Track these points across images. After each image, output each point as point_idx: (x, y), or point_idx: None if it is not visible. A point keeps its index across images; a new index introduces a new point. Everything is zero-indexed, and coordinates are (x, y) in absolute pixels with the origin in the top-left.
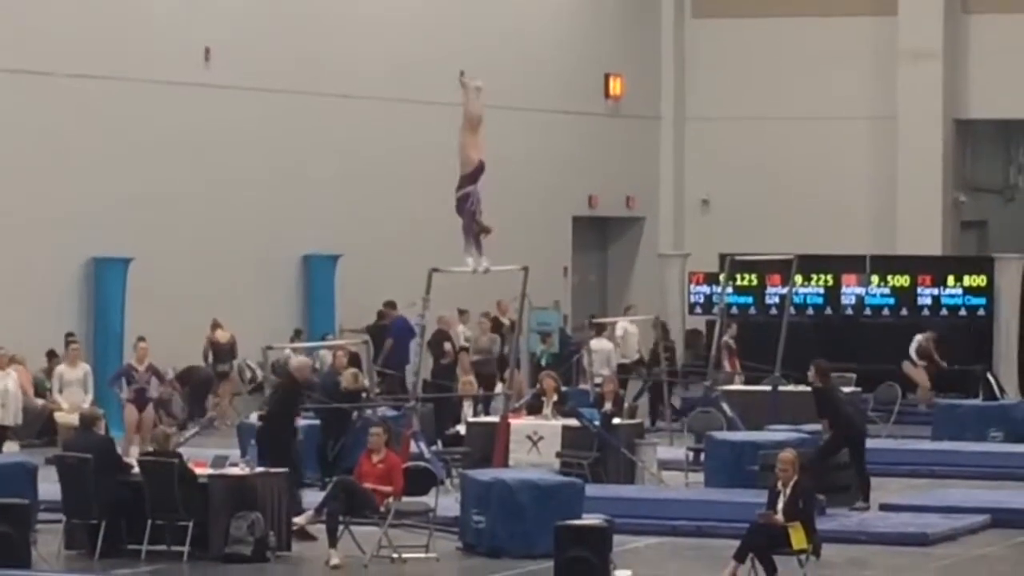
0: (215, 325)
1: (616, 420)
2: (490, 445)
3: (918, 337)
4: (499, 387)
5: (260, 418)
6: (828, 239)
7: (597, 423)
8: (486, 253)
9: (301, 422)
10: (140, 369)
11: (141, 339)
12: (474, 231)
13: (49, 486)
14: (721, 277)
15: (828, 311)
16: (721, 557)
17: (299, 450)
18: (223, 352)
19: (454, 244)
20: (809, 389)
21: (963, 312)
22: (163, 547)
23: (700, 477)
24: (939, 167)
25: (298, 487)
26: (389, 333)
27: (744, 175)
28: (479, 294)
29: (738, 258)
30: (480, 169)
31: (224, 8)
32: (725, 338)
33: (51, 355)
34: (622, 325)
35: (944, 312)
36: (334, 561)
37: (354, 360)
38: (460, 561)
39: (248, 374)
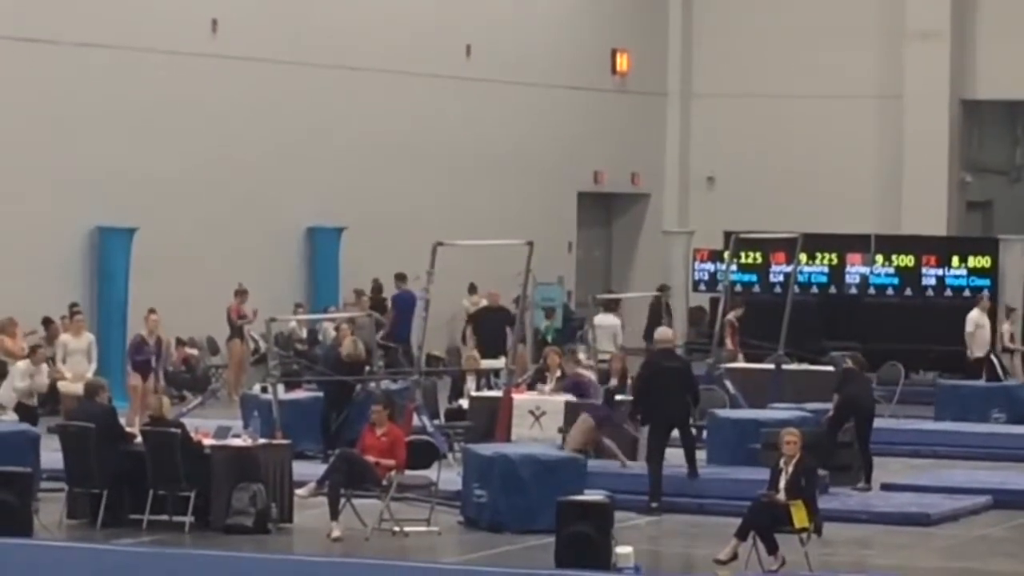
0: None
1: (619, 396)
2: (492, 420)
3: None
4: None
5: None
6: (833, 218)
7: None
8: (492, 227)
9: (304, 394)
10: (150, 341)
11: (152, 311)
12: None
13: (52, 455)
14: (725, 255)
15: (832, 290)
16: (723, 534)
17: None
18: (233, 323)
19: (458, 218)
20: (813, 368)
21: (967, 293)
22: (165, 517)
23: (702, 454)
24: (945, 147)
25: None
26: (393, 306)
27: (750, 153)
28: (484, 268)
29: (743, 236)
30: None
31: None
32: (728, 316)
33: (47, 322)
34: (973, 319)
35: (948, 293)
36: (335, 533)
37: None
38: (461, 535)
39: (251, 345)
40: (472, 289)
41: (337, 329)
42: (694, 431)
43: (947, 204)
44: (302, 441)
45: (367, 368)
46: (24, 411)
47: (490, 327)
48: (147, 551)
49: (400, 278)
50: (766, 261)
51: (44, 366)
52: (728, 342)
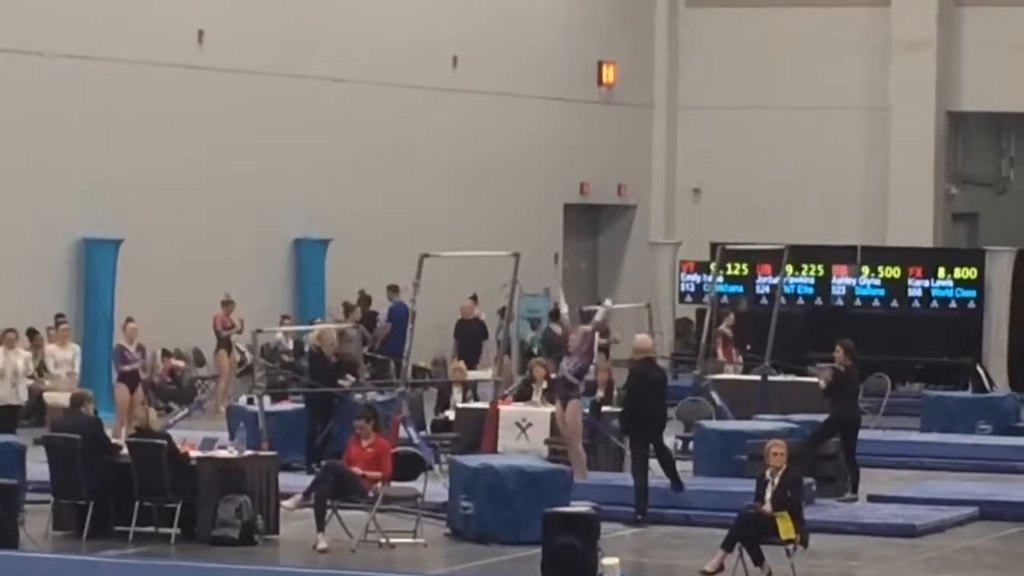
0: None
1: (605, 408)
2: (479, 431)
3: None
4: (490, 372)
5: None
6: (819, 230)
7: (586, 411)
8: (478, 238)
9: (290, 406)
10: (131, 349)
11: (130, 319)
12: None
13: (37, 466)
14: (712, 266)
15: (818, 302)
16: (709, 546)
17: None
18: (219, 334)
19: (445, 229)
20: (799, 379)
21: (953, 304)
22: (151, 529)
23: (688, 466)
24: (931, 159)
25: None
26: (388, 317)
27: (736, 164)
28: (470, 280)
29: (729, 247)
30: None
31: None
32: (720, 327)
33: (31, 333)
34: None
35: (934, 304)
36: (321, 545)
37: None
38: (448, 547)
39: (237, 356)
40: (473, 300)
41: None
42: (680, 443)
43: (933, 216)
44: (288, 453)
45: (353, 378)
46: (2, 419)
47: (464, 339)
48: (133, 563)
49: (393, 290)
50: (752, 273)
51: (20, 349)
52: (720, 353)
